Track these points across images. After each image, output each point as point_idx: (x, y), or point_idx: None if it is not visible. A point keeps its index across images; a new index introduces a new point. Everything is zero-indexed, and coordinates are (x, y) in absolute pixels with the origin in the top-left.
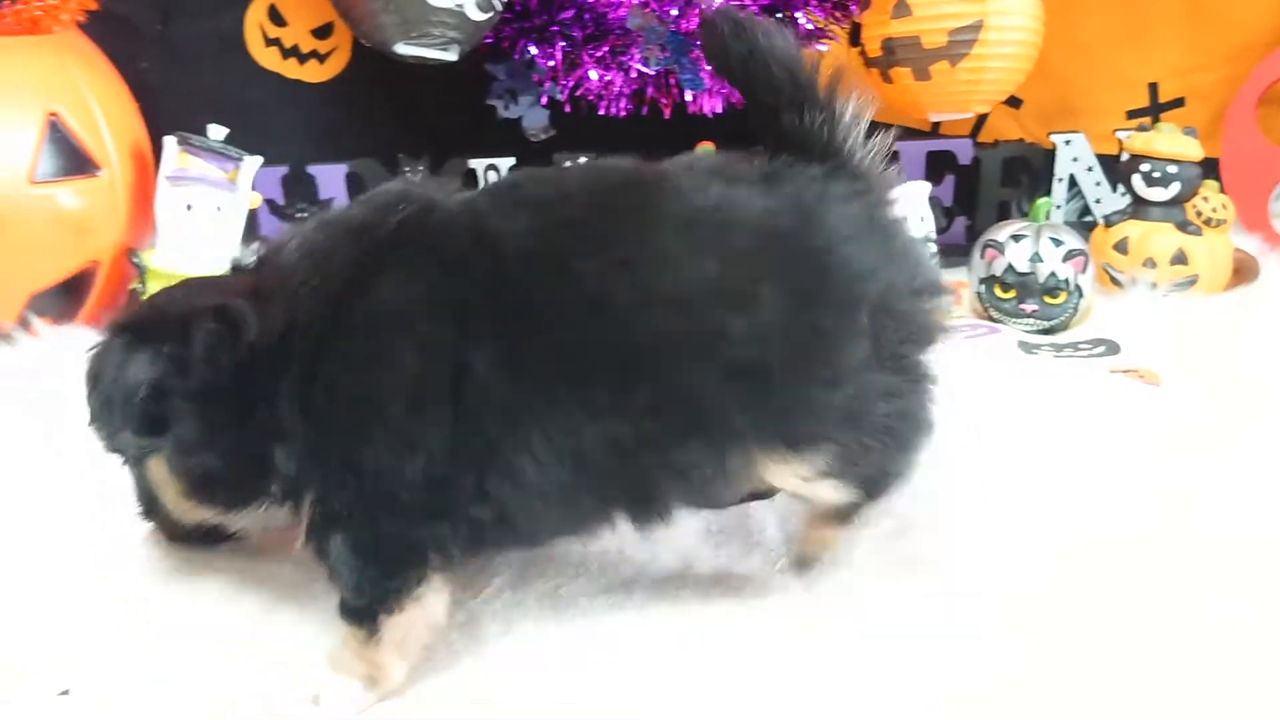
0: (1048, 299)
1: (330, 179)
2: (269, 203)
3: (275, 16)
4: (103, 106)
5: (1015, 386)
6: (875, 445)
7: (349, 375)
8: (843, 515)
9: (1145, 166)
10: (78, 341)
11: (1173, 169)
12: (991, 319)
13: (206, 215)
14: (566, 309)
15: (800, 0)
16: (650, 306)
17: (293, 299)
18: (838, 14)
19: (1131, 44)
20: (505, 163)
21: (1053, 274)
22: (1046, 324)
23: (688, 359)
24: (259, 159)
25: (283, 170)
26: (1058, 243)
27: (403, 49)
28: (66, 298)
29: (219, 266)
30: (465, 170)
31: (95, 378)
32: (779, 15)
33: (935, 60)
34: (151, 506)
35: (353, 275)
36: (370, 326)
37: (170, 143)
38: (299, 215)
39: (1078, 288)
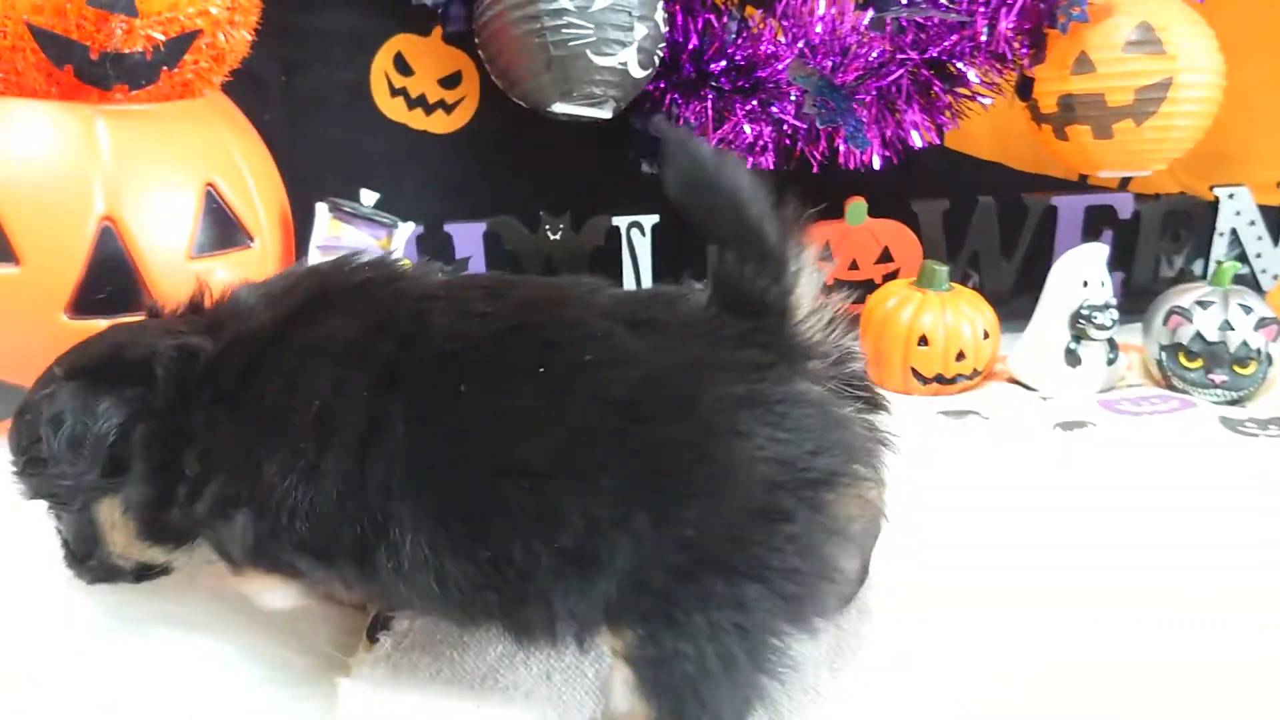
0: (1237, 369)
1: (467, 238)
2: None
3: (401, 65)
4: (253, 173)
5: (1247, 474)
6: (689, 653)
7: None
8: None
9: None
10: None
11: None
12: (1174, 388)
13: None
14: (447, 443)
15: (967, 53)
16: (502, 471)
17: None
18: (999, 66)
19: None
20: (649, 220)
21: (1244, 343)
22: (1234, 395)
23: (523, 533)
24: (411, 225)
25: (418, 230)
26: (1247, 310)
27: (560, 108)
28: None
29: None
30: (608, 227)
31: (55, 421)
32: (945, 69)
33: (1119, 118)
34: (88, 551)
35: (290, 325)
36: (287, 386)
37: (322, 210)
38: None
39: (1268, 357)
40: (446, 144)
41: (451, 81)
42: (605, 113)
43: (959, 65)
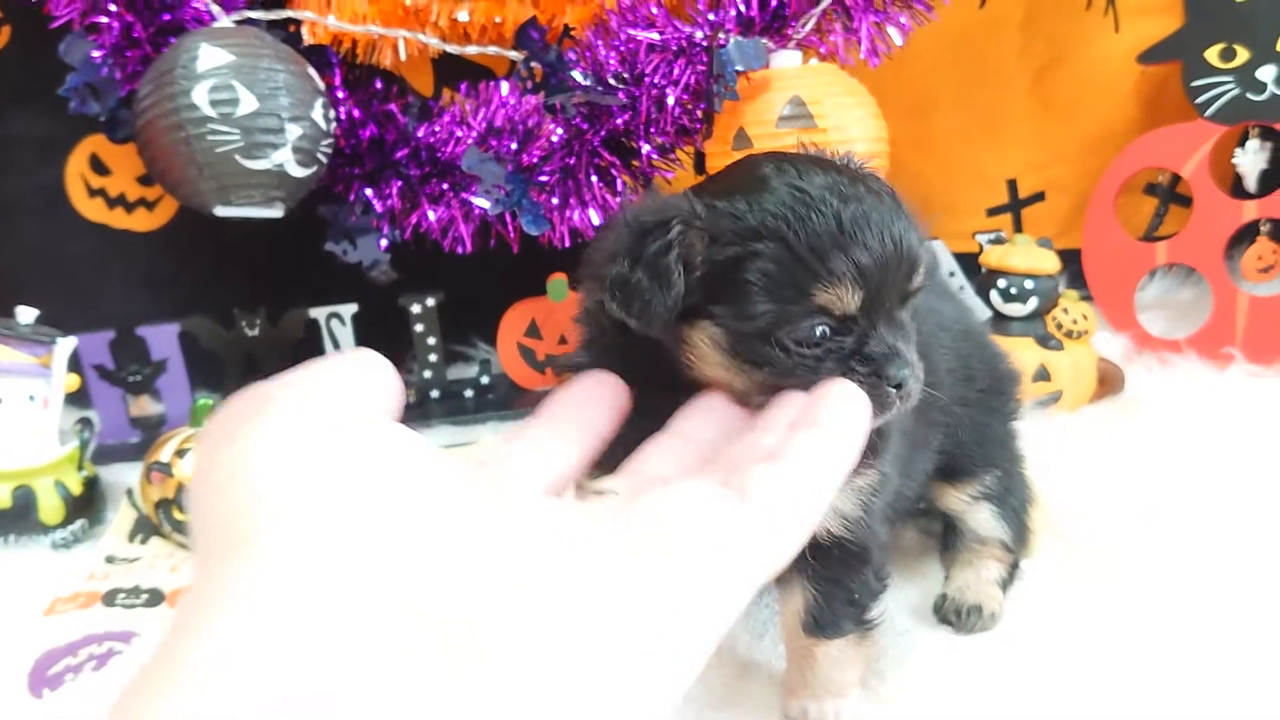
0: None
1: (161, 340)
2: (98, 369)
3: (98, 165)
4: None
5: None
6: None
7: None
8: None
9: (1001, 282)
10: None
11: (1029, 284)
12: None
13: (18, 407)
14: None
15: (640, 130)
16: None
17: None
18: (682, 140)
19: (987, 141)
20: (348, 309)
21: None
22: None
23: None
24: (73, 340)
25: (109, 335)
26: None
27: (222, 211)
28: None
29: (35, 460)
30: (306, 320)
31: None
32: (623, 146)
33: None
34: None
35: None
36: None
37: None
38: (132, 380)
39: None
40: (147, 242)
41: (151, 178)
42: (275, 211)
43: (639, 143)
